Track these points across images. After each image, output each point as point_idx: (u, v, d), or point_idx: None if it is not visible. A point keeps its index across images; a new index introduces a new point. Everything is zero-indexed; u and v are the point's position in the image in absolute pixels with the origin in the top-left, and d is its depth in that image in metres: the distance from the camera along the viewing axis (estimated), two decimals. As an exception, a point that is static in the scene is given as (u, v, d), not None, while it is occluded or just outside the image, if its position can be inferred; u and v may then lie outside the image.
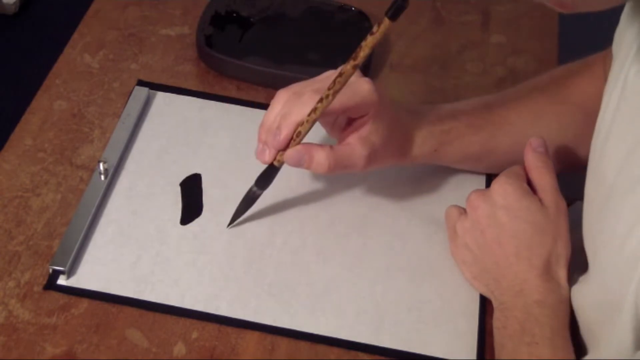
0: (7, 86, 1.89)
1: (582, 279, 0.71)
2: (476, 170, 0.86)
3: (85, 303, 0.74)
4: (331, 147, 0.75)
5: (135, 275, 0.76)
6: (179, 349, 0.72)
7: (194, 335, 0.73)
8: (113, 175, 0.84)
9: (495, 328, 0.73)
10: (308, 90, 0.74)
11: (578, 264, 0.72)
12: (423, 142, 0.81)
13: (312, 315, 0.75)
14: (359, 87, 0.74)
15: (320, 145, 0.75)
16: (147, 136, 0.88)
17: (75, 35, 0.98)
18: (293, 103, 0.74)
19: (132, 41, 0.98)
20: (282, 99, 0.75)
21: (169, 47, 0.98)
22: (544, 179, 0.76)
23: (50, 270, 0.76)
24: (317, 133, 0.84)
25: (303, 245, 0.80)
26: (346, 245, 0.80)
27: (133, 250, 0.78)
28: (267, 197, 0.82)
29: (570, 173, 0.83)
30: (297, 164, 0.75)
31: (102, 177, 0.82)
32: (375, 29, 0.67)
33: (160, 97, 0.92)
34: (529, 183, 0.76)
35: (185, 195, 0.83)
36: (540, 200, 0.75)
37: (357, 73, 0.74)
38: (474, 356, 0.74)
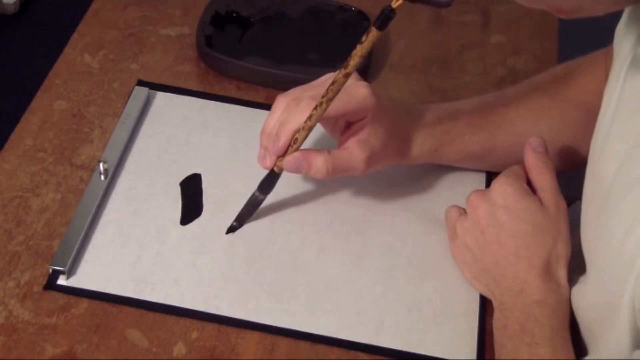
0: (7, 86, 1.89)
1: (581, 279, 0.71)
2: (477, 168, 0.86)
3: (85, 303, 0.74)
4: (329, 152, 0.75)
5: (135, 275, 0.76)
6: (179, 349, 0.72)
7: (194, 335, 0.73)
8: (113, 175, 0.84)
9: (495, 328, 0.73)
10: (306, 97, 0.74)
11: (578, 264, 0.72)
12: (423, 142, 0.81)
13: (312, 315, 0.75)
14: (356, 92, 0.75)
15: (319, 151, 0.75)
16: (147, 136, 0.88)
17: (75, 35, 0.98)
18: (291, 110, 0.75)
19: (132, 41, 0.98)
20: (281, 105, 0.76)
21: (169, 47, 0.98)
22: (544, 179, 0.76)
23: (50, 270, 0.76)
24: (320, 138, 0.85)
25: (303, 245, 0.80)
26: (346, 245, 0.80)
27: (133, 250, 0.78)
28: (268, 197, 0.82)
29: (570, 173, 0.83)
30: (296, 170, 0.75)
31: (102, 177, 0.82)
32: (363, 38, 0.68)
33: (160, 97, 0.92)
34: (529, 183, 0.76)
35: (185, 195, 0.83)
36: (540, 200, 0.75)
37: (355, 76, 0.75)
38: (474, 356, 0.74)
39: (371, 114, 0.76)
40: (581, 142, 0.82)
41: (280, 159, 0.76)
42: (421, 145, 0.81)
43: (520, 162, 0.78)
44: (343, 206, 0.83)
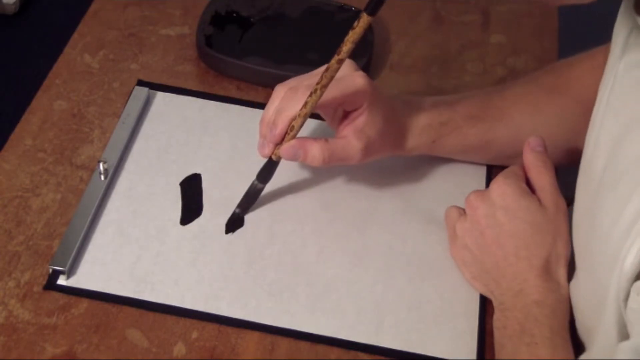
0: (7, 86, 1.89)
1: (575, 275, 0.71)
2: (475, 161, 0.87)
3: (85, 303, 0.74)
4: (326, 140, 0.76)
5: (135, 275, 0.76)
6: (179, 349, 0.72)
7: (194, 335, 0.73)
8: (113, 175, 0.84)
9: (495, 328, 0.73)
10: (303, 85, 0.75)
11: (572, 262, 0.73)
12: (420, 133, 0.81)
13: (312, 315, 0.75)
14: (353, 80, 0.76)
15: (315, 139, 0.76)
16: (147, 136, 0.88)
17: (75, 35, 0.98)
18: (288, 98, 0.76)
19: (132, 41, 0.98)
20: (279, 94, 0.77)
21: (169, 47, 0.98)
22: (543, 179, 0.76)
23: (50, 270, 0.76)
24: (319, 130, 0.85)
25: (303, 245, 0.80)
26: (346, 245, 0.80)
27: (133, 250, 0.78)
28: (267, 197, 0.82)
29: (571, 172, 0.83)
30: (293, 157, 0.76)
31: (102, 177, 0.82)
32: (355, 24, 0.69)
33: (160, 97, 0.92)
34: (528, 183, 0.76)
35: (185, 195, 0.83)
36: (539, 199, 0.75)
37: (353, 66, 0.77)
38: (474, 356, 0.74)
39: (368, 103, 0.76)
40: (579, 136, 0.81)
41: (278, 147, 0.77)
42: (419, 137, 0.81)
43: (519, 155, 0.78)
44: (343, 206, 0.83)
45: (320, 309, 0.75)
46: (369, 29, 0.98)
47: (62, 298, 0.75)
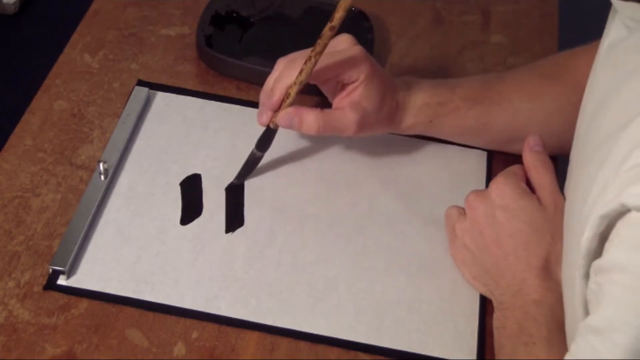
0: (7, 86, 1.89)
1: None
2: (473, 144, 0.88)
3: (85, 303, 0.74)
4: (322, 110, 0.79)
5: (135, 275, 0.76)
6: (179, 349, 0.72)
7: (194, 335, 0.73)
8: (113, 175, 0.84)
9: (494, 328, 0.73)
10: (300, 56, 0.78)
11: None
12: (418, 112, 0.83)
13: (312, 315, 0.75)
14: (351, 52, 0.79)
15: (311, 108, 0.79)
16: (147, 136, 0.88)
17: (75, 35, 0.98)
18: (286, 68, 0.79)
19: (132, 41, 0.98)
20: (279, 65, 0.81)
21: (169, 47, 0.98)
22: (543, 178, 0.76)
23: (50, 270, 0.76)
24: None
25: (303, 245, 0.80)
26: (346, 245, 0.80)
27: (133, 250, 0.78)
28: (268, 197, 0.82)
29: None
30: (289, 124, 0.79)
31: (102, 177, 0.82)
32: None
33: (160, 97, 0.92)
34: (528, 182, 0.77)
35: (185, 195, 0.83)
36: (538, 199, 0.75)
37: (352, 41, 0.80)
38: (474, 356, 0.74)
39: (365, 76, 0.79)
40: (575, 126, 0.82)
41: (275, 115, 0.80)
42: (416, 115, 0.83)
43: (516, 140, 0.80)
44: (343, 206, 0.83)
45: (320, 309, 0.75)
46: (369, 29, 0.98)
47: (62, 298, 0.75)
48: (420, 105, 0.83)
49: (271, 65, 0.92)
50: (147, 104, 0.91)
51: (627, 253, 0.53)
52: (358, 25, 0.98)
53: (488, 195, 0.75)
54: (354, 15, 1.00)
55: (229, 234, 0.80)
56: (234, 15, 0.99)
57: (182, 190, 0.83)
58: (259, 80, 0.93)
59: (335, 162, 0.87)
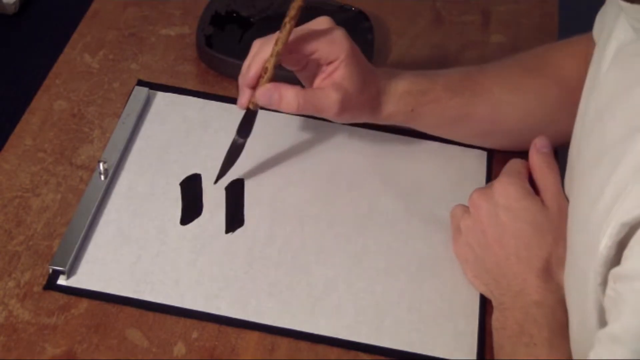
0: (7, 86, 1.89)
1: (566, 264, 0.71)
2: (454, 138, 0.88)
3: (85, 303, 0.74)
4: (302, 88, 0.78)
5: (135, 275, 0.76)
6: (179, 349, 0.72)
7: (194, 335, 0.73)
8: (113, 175, 0.84)
9: (494, 328, 0.73)
10: (276, 34, 0.77)
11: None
12: (399, 100, 0.82)
13: (312, 315, 0.75)
14: (331, 32, 0.78)
15: (291, 85, 0.77)
16: (147, 136, 0.88)
17: (75, 35, 0.98)
18: (262, 44, 0.78)
19: (132, 41, 0.98)
20: (255, 45, 0.79)
21: (169, 47, 0.98)
22: (547, 180, 0.76)
23: (50, 270, 0.76)
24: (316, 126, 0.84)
25: (303, 245, 0.80)
26: (346, 245, 0.80)
27: (133, 250, 0.78)
28: (268, 197, 0.82)
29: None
30: (268, 102, 0.77)
31: (102, 177, 0.82)
32: None
33: (160, 97, 0.92)
34: (533, 183, 0.77)
35: (185, 195, 0.83)
36: (542, 200, 0.75)
37: (332, 22, 0.79)
38: (474, 356, 0.74)
39: (344, 56, 0.78)
40: (558, 118, 0.83)
41: (254, 96, 0.78)
42: (397, 103, 0.82)
43: (497, 132, 0.82)
44: (343, 206, 0.83)
45: (320, 309, 0.75)
46: (369, 29, 0.98)
47: (62, 298, 0.75)
48: (401, 92, 0.82)
49: (271, 65, 0.93)
50: (147, 104, 0.91)
51: None
52: (358, 25, 0.98)
53: (492, 194, 0.75)
54: (354, 15, 1.00)
55: (229, 234, 0.80)
56: (234, 15, 0.99)
57: (182, 190, 0.83)
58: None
59: (335, 162, 0.87)
